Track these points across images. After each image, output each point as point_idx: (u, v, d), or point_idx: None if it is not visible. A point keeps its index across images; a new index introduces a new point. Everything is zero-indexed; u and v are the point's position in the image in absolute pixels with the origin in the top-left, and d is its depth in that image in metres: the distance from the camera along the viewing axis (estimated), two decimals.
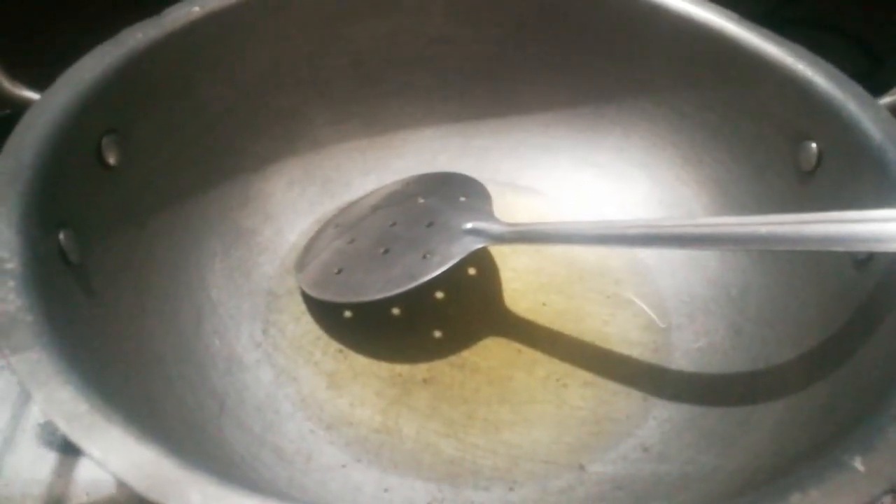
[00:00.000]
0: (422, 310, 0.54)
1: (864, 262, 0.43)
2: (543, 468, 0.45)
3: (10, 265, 0.36)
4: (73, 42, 0.51)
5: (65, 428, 0.31)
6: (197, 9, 0.53)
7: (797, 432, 0.40)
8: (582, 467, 0.45)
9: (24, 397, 0.50)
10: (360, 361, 0.51)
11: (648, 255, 0.56)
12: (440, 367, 0.51)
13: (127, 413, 0.33)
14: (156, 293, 0.49)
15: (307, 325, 0.53)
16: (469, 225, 0.51)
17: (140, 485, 0.30)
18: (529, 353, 0.52)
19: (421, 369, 0.51)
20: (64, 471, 0.47)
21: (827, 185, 0.46)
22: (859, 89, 0.46)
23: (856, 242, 0.39)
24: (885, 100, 0.47)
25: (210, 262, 0.54)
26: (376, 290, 0.51)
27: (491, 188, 0.55)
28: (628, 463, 0.45)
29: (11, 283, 0.36)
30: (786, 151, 0.48)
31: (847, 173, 0.45)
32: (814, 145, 0.47)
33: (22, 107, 0.48)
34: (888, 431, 0.33)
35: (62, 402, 0.32)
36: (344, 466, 0.46)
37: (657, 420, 0.47)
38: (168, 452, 0.32)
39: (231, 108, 0.56)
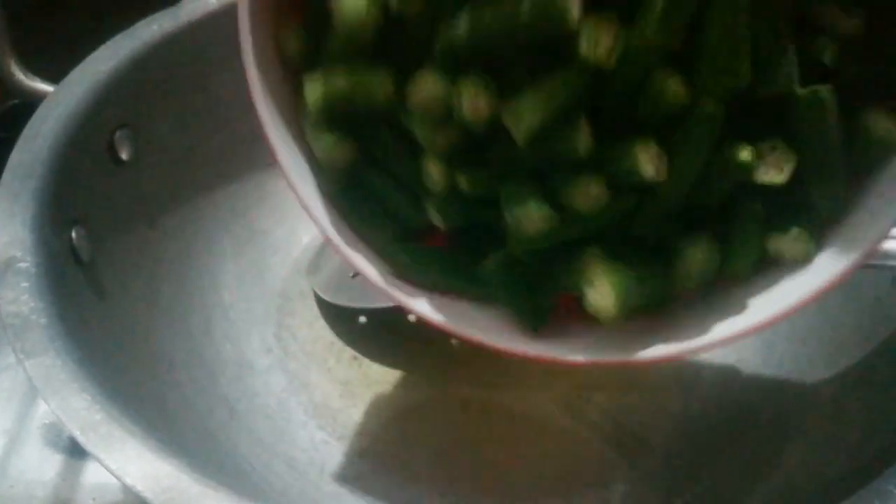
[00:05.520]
0: None
1: None
2: (565, 486, 0.44)
3: (23, 264, 0.35)
4: (84, 31, 0.50)
5: (81, 439, 0.30)
6: (214, 1, 0.52)
7: (831, 457, 0.39)
8: (606, 486, 0.44)
9: (30, 397, 0.48)
10: (375, 370, 0.50)
11: None
12: (457, 375, 0.49)
13: (139, 421, 0.32)
14: (166, 294, 0.48)
15: (320, 331, 0.52)
16: None
17: (157, 499, 0.29)
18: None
19: (437, 379, 0.49)
20: (69, 473, 0.45)
21: None
22: None
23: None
24: None
25: (221, 263, 0.53)
26: None
27: None
28: (655, 482, 0.44)
29: (25, 284, 0.35)
30: None
31: None
32: None
33: (33, 97, 0.47)
34: None
35: (77, 410, 0.31)
36: (357, 478, 0.45)
37: (686, 436, 0.46)
38: (186, 466, 0.30)
39: (246, 105, 0.54)
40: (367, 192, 0.36)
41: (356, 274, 0.51)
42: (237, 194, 0.55)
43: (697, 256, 0.32)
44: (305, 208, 0.34)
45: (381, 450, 0.46)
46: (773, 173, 0.31)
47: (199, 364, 0.48)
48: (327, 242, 0.35)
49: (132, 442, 0.31)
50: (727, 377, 0.47)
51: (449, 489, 0.44)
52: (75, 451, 0.46)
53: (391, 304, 0.35)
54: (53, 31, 0.59)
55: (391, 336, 0.51)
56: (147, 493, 0.29)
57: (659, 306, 0.34)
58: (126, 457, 0.30)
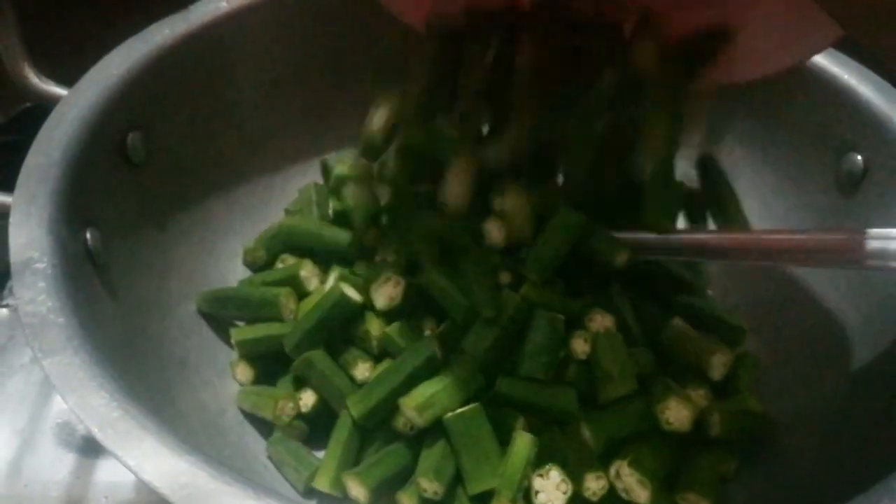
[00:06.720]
0: None
1: None
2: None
3: (39, 265, 0.36)
4: (96, 34, 0.50)
5: (99, 436, 0.30)
6: (224, 4, 0.52)
7: (842, 454, 0.39)
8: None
9: (43, 398, 0.49)
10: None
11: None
12: None
13: (155, 418, 0.32)
14: (177, 296, 0.49)
15: None
16: None
17: (175, 495, 0.29)
18: None
19: None
20: (83, 472, 0.46)
21: (872, 200, 0.45)
22: None
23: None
24: None
25: (231, 264, 0.54)
26: None
27: None
28: None
29: (42, 284, 0.35)
30: (829, 163, 0.47)
31: (893, 187, 0.44)
32: (859, 158, 0.45)
33: (46, 100, 0.47)
34: None
35: (96, 407, 0.31)
36: None
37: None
38: (202, 463, 0.31)
39: (255, 107, 0.55)
40: None
41: None
42: (245, 196, 0.56)
43: None
44: None
45: None
46: None
47: (209, 363, 0.48)
48: None
49: (149, 439, 0.31)
50: None
51: None
52: (88, 450, 0.47)
53: None
54: (66, 35, 0.59)
55: None
56: (165, 490, 0.29)
57: None
58: (143, 453, 0.30)
